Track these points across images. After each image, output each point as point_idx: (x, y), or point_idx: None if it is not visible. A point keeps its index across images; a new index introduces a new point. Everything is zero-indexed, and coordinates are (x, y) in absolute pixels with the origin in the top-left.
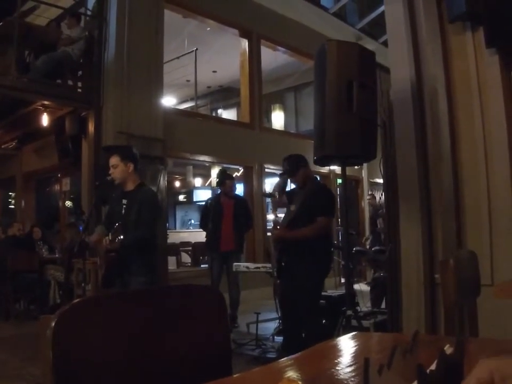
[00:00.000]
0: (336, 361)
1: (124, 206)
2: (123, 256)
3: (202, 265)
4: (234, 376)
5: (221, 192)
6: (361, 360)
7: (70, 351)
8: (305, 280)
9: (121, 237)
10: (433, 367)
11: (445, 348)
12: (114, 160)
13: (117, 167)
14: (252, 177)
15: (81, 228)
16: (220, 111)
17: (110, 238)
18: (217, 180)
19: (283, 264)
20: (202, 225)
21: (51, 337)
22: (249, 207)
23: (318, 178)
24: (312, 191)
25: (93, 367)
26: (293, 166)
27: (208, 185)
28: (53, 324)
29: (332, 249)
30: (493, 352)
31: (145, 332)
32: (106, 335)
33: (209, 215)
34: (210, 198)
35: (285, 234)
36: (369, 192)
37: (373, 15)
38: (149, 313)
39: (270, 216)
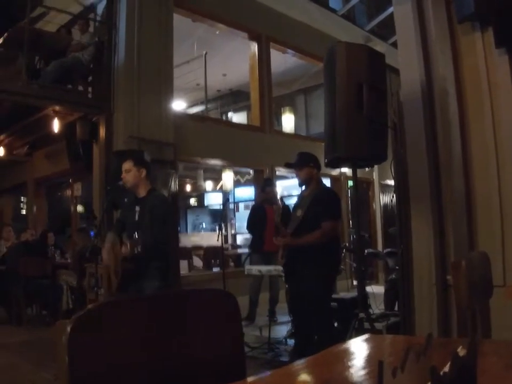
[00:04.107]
0: (349, 364)
1: (137, 213)
2: (139, 263)
3: (214, 269)
4: (248, 379)
5: (263, 198)
6: (374, 363)
7: (85, 356)
8: (314, 283)
9: (139, 249)
10: (446, 369)
11: (458, 350)
12: (127, 165)
13: (130, 172)
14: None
15: (92, 233)
16: (230, 114)
17: (129, 247)
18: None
19: (291, 268)
20: (249, 229)
21: (67, 342)
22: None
23: (329, 181)
24: (316, 195)
25: (109, 372)
26: (301, 161)
27: (219, 189)
28: (69, 329)
29: (343, 251)
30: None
31: (160, 337)
32: (122, 339)
33: (254, 219)
34: (255, 204)
35: (291, 242)
36: None
37: (382, 16)
38: (163, 318)
39: None
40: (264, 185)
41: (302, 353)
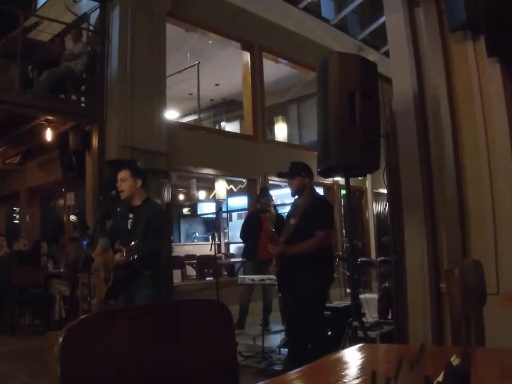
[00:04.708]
0: (343, 373)
1: (130, 221)
2: (131, 270)
3: (207, 278)
4: None
5: (260, 207)
6: (369, 372)
7: (77, 366)
8: (307, 292)
9: (136, 256)
10: (440, 378)
11: (451, 359)
12: (123, 174)
13: (126, 181)
14: (256, 189)
15: (85, 243)
16: (223, 123)
17: (124, 254)
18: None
19: (284, 277)
20: (242, 236)
21: (58, 353)
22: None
23: (322, 189)
24: (310, 204)
25: (101, 382)
26: (293, 171)
27: (212, 198)
28: (60, 340)
29: (337, 259)
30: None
31: (151, 347)
32: (113, 350)
33: (248, 227)
34: (250, 212)
35: (285, 250)
36: None
37: (374, 25)
38: (156, 328)
39: None
40: (260, 195)
41: (295, 363)
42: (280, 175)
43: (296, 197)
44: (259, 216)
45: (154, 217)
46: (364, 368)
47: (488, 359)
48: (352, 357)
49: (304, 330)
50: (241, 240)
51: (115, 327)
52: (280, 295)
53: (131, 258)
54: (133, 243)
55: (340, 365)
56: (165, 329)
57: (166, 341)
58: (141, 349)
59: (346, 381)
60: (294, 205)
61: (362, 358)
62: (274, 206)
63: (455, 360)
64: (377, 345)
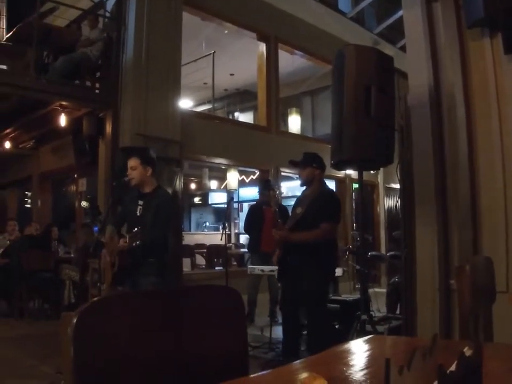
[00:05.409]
0: (351, 363)
1: (140, 207)
2: (136, 257)
3: (216, 268)
4: (251, 376)
5: (262, 200)
6: (377, 363)
7: (90, 348)
8: (307, 283)
9: (139, 242)
10: (453, 368)
11: (464, 350)
12: (133, 162)
13: (136, 169)
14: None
15: (97, 228)
16: (236, 114)
17: (127, 241)
18: (259, 189)
19: (285, 265)
20: (246, 229)
21: (72, 334)
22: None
23: (334, 183)
24: (318, 195)
25: (113, 364)
26: (305, 161)
27: (223, 188)
28: (74, 321)
29: (347, 252)
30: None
31: (164, 331)
32: (126, 332)
33: (252, 220)
34: (253, 205)
35: (287, 236)
36: None
37: (391, 20)
38: (168, 312)
39: None
40: (263, 187)
41: (287, 354)
42: (292, 163)
43: (305, 187)
44: (261, 209)
45: (163, 205)
46: (373, 358)
47: (496, 354)
48: (360, 348)
49: (300, 321)
50: (245, 232)
51: (129, 309)
52: (279, 284)
53: (133, 244)
54: (135, 229)
55: (348, 355)
56: (178, 313)
57: (178, 324)
58: (153, 332)
59: (356, 370)
60: (302, 194)
61: (370, 349)
62: (278, 188)
63: (467, 352)
64: (385, 337)
